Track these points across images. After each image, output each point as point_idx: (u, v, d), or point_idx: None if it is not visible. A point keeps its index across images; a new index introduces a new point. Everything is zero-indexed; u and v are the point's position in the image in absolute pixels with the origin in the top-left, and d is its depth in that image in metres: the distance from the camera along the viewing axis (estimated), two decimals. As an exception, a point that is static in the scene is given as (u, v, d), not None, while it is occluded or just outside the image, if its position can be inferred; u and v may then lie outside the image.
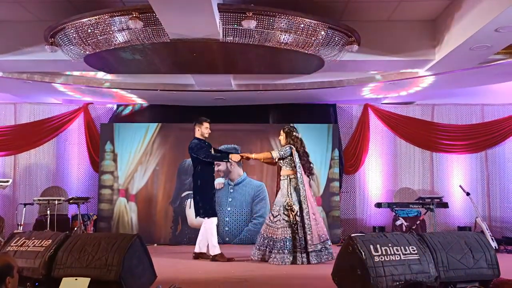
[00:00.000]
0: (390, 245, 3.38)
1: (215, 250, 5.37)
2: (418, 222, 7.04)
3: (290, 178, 5.29)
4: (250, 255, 5.33)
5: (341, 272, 3.49)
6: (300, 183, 5.21)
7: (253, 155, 5.48)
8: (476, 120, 8.33)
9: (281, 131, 5.51)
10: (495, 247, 5.95)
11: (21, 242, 3.70)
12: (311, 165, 5.44)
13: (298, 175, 5.23)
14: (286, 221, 5.15)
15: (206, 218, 5.41)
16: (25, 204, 7.15)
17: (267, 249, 5.18)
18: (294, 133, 5.42)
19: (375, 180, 8.25)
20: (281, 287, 3.84)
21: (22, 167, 8.13)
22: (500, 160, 8.25)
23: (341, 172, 8.06)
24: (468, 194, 6.80)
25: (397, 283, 3.24)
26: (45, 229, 6.79)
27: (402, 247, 3.40)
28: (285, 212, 5.17)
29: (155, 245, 7.38)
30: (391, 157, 8.31)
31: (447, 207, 7.08)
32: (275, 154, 5.32)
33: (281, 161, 5.35)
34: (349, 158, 8.24)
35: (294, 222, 5.13)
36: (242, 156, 5.50)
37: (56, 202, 7.07)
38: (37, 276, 3.45)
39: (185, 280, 3.95)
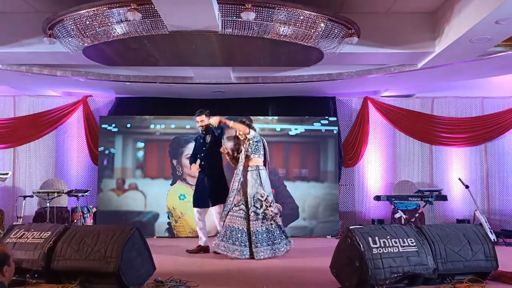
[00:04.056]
0: (388, 237, 3.40)
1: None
2: (417, 215, 7.06)
3: (259, 169, 5.22)
4: (214, 248, 5.19)
5: (340, 264, 3.50)
6: (265, 172, 5.23)
7: (231, 123, 5.29)
8: (476, 113, 8.32)
9: (239, 123, 5.33)
10: (493, 239, 5.97)
11: (20, 234, 3.72)
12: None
13: (268, 166, 5.26)
14: (256, 213, 5.05)
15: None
16: (24, 197, 7.17)
17: (253, 244, 5.03)
18: (253, 125, 5.40)
19: (374, 173, 8.25)
20: (280, 279, 3.85)
21: (22, 160, 8.12)
22: (500, 153, 8.24)
23: (340, 165, 8.07)
24: (467, 187, 6.80)
25: (395, 275, 3.25)
26: (45, 221, 6.82)
27: (400, 239, 3.41)
28: (256, 204, 5.07)
29: (155, 237, 7.40)
30: (390, 150, 8.31)
31: (446, 200, 7.10)
32: (252, 133, 5.21)
33: (250, 150, 5.22)
34: (348, 151, 8.24)
35: (265, 214, 5.06)
36: (220, 121, 5.42)
37: (56, 194, 7.09)
38: (36, 268, 3.47)
39: (184, 273, 3.96)
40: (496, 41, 5.28)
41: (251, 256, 4.95)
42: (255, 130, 5.36)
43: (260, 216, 5.06)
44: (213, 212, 5.60)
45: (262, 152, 5.27)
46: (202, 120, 5.68)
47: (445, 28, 5.43)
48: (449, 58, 5.90)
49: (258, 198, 5.09)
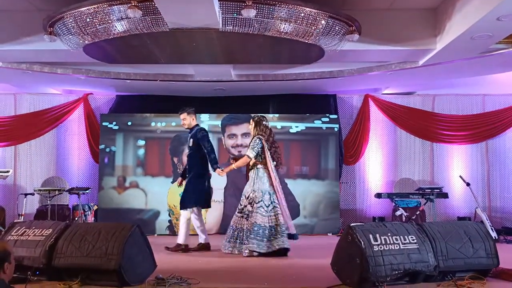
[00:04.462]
0: (389, 234, 3.39)
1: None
2: (418, 212, 7.06)
3: (257, 168, 5.26)
4: (221, 248, 5.30)
5: (340, 262, 3.50)
6: (273, 172, 5.21)
7: (233, 166, 5.37)
8: (477, 110, 8.31)
9: (251, 120, 5.47)
10: (494, 237, 5.97)
11: (22, 232, 3.72)
12: (279, 154, 5.41)
13: (270, 165, 5.21)
14: (250, 211, 5.14)
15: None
16: (25, 195, 7.20)
17: (238, 240, 5.17)
18: (263, 123, 5.38)
19: (375, 170, 8.25)
20: (280, 277, 3.85)
21: (23, 158, 8.13)
22: (501, 151, 8.24)
23: (341, 162, 8.06)
24: (468, 184, 6.80)
25: (396, 272, 3.25)
26: (46, 219, 6.82)
27: (401, 237, 3.41)
28: (250, 202, 5.18)
29: (156, 235, 7.41)
30: (391, 148, 8.30)
31: (447, 197, 7.08)
32: (252, 155, 5.23)
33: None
34: (349, 149, 8.23)
35: (244, 211, 5.16)
36: (225, 172, 5.41)
37: (57, 192, 7.11)
38: (38, 265, 3.47)
39: (185, 270, 3.96)
40: (498, 38, 5.27)
41: (231, 251, 5.16)
42: (260, 130, 5.33)
43: (242, 213, 5.19)
44: (182, 215, 5.46)
45: (263, 156, 5.28)
46: (184, 119, 5.57)
47: (446, 25, 5.42)
48: (450, 55, 5.88)
49: (243, 195, 5.26)
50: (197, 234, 5.61)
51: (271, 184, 5.22)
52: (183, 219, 5.44)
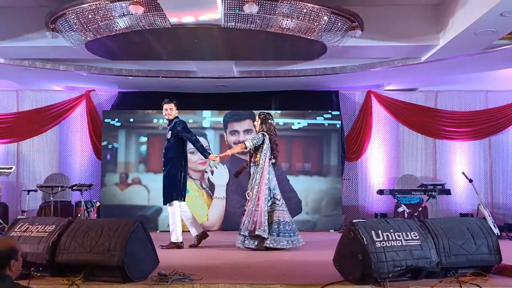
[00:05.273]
0: (391, 230, 3.39)
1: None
2: (420, 209, 7.05)
3: (256, 165, 5.28)
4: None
5: (343, 258, 3.50)
6: (261, 169, 5.20)
7: (229, 152, 5.43)
8: (479, 106, 8.28)
9: (257, 117, 5.48)
10: (497, 233, 5.96)
11: (25, 228, 3.72)
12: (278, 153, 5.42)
13: (261, 162, 5.21)
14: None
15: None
16: (28, 191, 7.21)
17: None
18: (269, 121, 5.38)
19: (377, 167, 8.24)
20: (282, 273, 3.86)
21: (25, 154, 8.15)
22: (504, 147, 8.22)
23: (343, 159, 8.06)
24: (470, 181, 6.79)
25: (399, 268, 3.24)
26: (49, 215, 6.85)
27: (403, 233, 3.40)
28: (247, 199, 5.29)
29: (158, 231, 7.43)
30: (393, 144, 8.29)
31: (450, 194, 7.08)
32: (248, 145, 5.23)
33: (252, 150, 5.32)
34: (351, 145, 8.22)
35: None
36: (220, 157, 5.42)
37: (60, 189, 7.12)
38: (41, 261, 3.47)
39: (187, 266, 3.97)
40: (501, 33, 5.25)
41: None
42: (266, 128, 5.33)
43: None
44: (170, 211, 5.40)
45: (264, 152, 5.26)
46: (171, 109, 5.43)
47: (449, 20, 5.40)
48: (453, 51, 5.86)
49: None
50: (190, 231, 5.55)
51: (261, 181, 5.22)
52: (171, 218, 5.40)
